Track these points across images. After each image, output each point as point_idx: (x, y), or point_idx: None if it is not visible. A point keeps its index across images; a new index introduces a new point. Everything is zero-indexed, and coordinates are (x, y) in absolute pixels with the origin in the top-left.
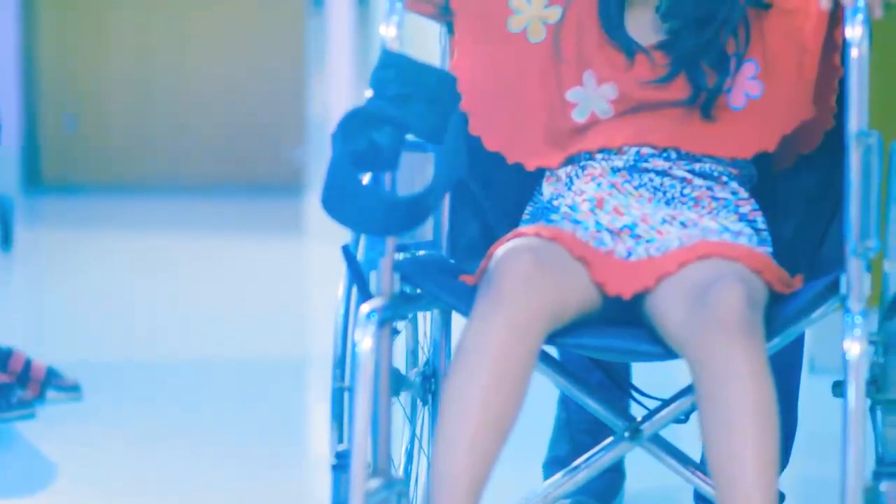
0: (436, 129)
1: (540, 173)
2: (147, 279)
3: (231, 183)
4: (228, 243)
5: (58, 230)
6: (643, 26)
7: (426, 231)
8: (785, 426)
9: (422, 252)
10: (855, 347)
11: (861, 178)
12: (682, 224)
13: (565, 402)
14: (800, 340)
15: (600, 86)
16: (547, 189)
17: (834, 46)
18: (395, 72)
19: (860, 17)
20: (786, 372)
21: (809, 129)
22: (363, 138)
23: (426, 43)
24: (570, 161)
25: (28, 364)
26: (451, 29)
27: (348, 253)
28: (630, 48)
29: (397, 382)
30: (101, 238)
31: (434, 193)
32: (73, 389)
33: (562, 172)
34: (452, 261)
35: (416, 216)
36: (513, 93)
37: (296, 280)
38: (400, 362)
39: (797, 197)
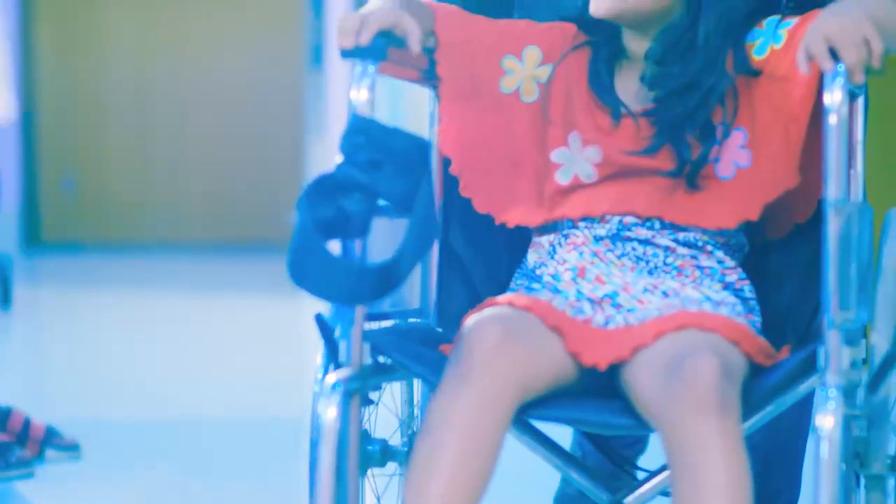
0: (407, 196)
1: (528, 240)
2: (145, 338)
3: (229, 243)
4: (226, 302)
5: (57, 289)
6: (632, 90)
7: (412, 298)
8: (788, 494)
9: (413, 320)
10: (828, 421)
11: (839, 248)
12: (664, 293)
13: (581, 442)
14: (805, 403)
15: (585, 148)
16: (531, 257)
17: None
18: (365, 137)
19: (840, 81)
20: (789, 437)
21: (802, 198)
22: (332, 205)
23: None
24: (552, 228)
25: (27, 423)
26: (437, 93)
27: (321, 321)
28: (617, 111)
29: (383, 454)
30: (100, 297)
31: (404, 261)
32: (72, 449)
33: (544, 240)
34: (440, 329)
35: (385, 284)
36: (503, 154)
37: (294, 340)
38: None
39: (790, 267)
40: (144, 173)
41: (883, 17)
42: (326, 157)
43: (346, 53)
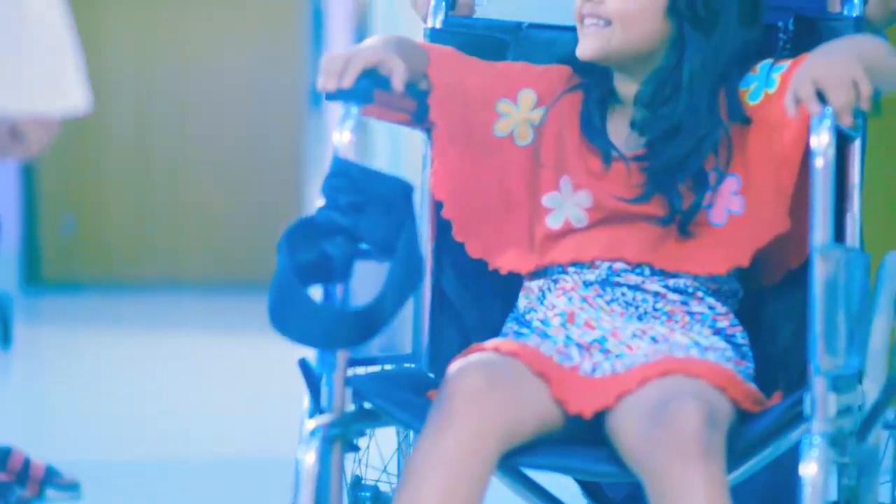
0: (389, 239)
1: (520, 284)
2: (146, 377)
3: (230, 282)
4: (227, 342)
5: (57, 328)
6: (624, 133)
7: (405, 343)
8: None
9: (409, 365)
10: (811, 469)
11: (825, 294)
12: (653, 339)
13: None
14: None
15: (576, 192)
16: (522, 302)
17: None
18: (347, 180)
19: (827, 123)
20: (791, 478)
21: (794, 243)
22: (313, 249)
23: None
24: (542, 273)
25: (27, 463)
26: (429, 135)
27: (304, 366)
28: (608, 154)
29: (375, 500)
30: (101, 336)
31: (387, 305)
32: (72, 488)
33: (534, 285)
34: (432, 374)
35: (366, 329)
36: (496, 198)
37: (296, 380)
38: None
39: (785, 313)
40: (145, 212)
41: (874, 58)
42: None
43: (329, 96)
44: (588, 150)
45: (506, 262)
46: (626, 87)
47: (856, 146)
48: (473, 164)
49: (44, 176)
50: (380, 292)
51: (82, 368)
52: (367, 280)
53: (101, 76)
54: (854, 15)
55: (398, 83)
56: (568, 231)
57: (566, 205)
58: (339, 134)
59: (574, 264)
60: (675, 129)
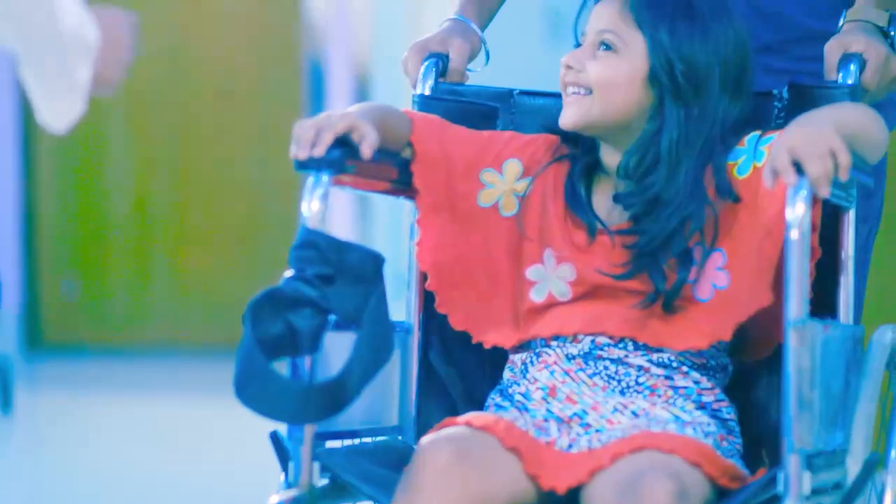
0: (359, 311)
1: (507, 355)
2: (148, 444)
3: (231, 347)
4: (229, 407)
5: (58, 393)
6: (609, 205)
7: (391, 416)
8: None
9: (399, 437)
10: None
11: (799, 370)
12: (634, 413)
13: None
14: None
15: (559, 265)
16: (506, 374)
17: (811, 228)
18: (315, 251)
19: (803, 194)
20: None
21: (780, 317)
22: (280, 321)
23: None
24: (525, 347)
25: None
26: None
27: (275, 439)
28: (592, 227)
29: None
30: (102, 402)
31: (353, 378)
32: None
33: (518, 359)
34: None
35: (333, 403)
36: (480, 270)
37: None
38: None
39: (773, 388)
40: (146, 276)
41: (858, 126)
42: None
43: (299, 165)
44: (572, 223)
45: (490, 336)
46: (611, 158)
47: (850, 217)
48: (457, 235)
49: (44, 239)
50: (345, 365)
51: (83, 434)
52: (340, 352)
53: (101, 141)
54: (849, 83)
55: (366, 151)
56: (551, 305)
57: (550, 278)
58: (309, 203)
59: (557, 338)
60: (657, 202)
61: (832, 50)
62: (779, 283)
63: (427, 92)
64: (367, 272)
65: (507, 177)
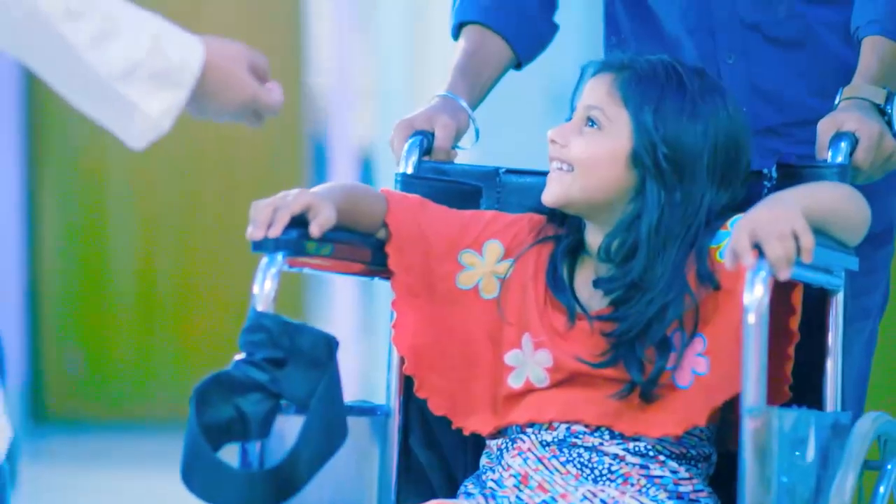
0: (311, 396)
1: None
2: None
3: None
4: None
5: (62, 467)
6: (591, 288)
7: (370, 502)
8: None
9: None
10: None
11: (755, 458)
12: (602, 502)
13: None
14: None
15: (536, 351)
16: (483, 461)
17: (790, 310)
18: (265, 335)
19: (762, 276)
20: None
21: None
22: (229, 406)
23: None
24: (502, 433)
25: None
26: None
27: None
28: (572, 311)
29: None
30: (106, 476)
31: (302, 464)
32: None
33: (494, 444)
34: None
35: (281, 490)
36: (459, 355)
37: None
38: None
39: None
40: (150, 350)
41: (833, 206)
42: (333, 330)
43: (255, 246)
44: (553, 307)
45: (469, 422)
46: (595, 239)
47: (838, 300)
48: (435, 318)
49: (48, 312)
50: (291, 451)
51: None
52: (294, 438)
53: (104, 215)
54: (839, 162)
55: (315, 230)
56: (529, 391)
57: (528, 364)
58: (261, 284)
59: (532, 425)
60: (636, 288)
61: (824, 128)
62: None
63: (410, 170)
64: (320, 356)
65: (487, 258)
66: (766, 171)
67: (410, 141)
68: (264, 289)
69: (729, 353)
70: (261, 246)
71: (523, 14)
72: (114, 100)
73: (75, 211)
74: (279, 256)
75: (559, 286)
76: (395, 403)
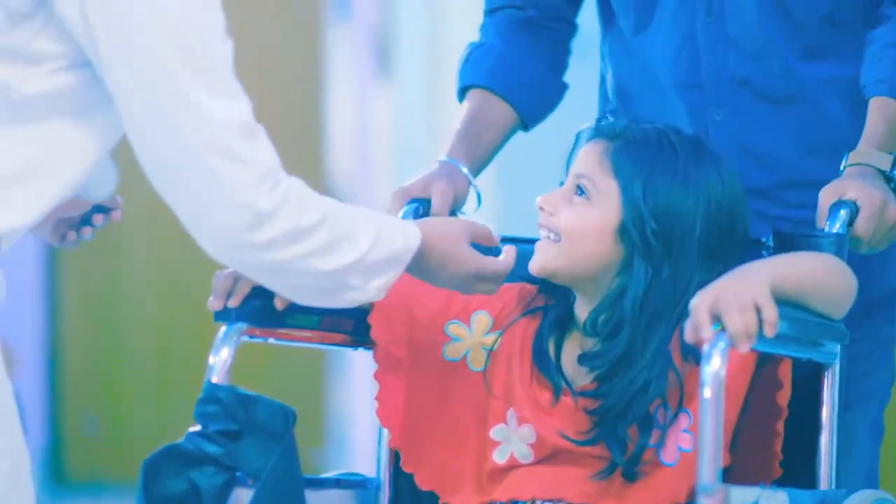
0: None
1: None
2: None
3: None
4: None
5: None
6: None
7: None
8: None
9: None
10: None
11: None
12: None
13: None
14: None
15: (520, 426)
16: None
17: (777, 385)
18: (218, 407)
19: (719, 349)
20: None
21: (749, 479)
22: (182, 479)
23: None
24: None
25: None
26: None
27: None
28: (557, 387)
29: None
30: None
31: None
32: None
33: None
34: None
35: None
36: (445, 428)
37: None
38: None
39: None
40: (166, 414)
41: (810, 278)
42: (347, 395)
43: (215, 316)
44: (538, 381)
45: (455, 499)
46: (582, 312)
47: (832, 374)
48: (421, 390)
49: (68, 379)
50: None
51: None
52: None
53: (124, 280)
54: (835, 231)
55: (278, 303)
56: (513, 467)
57: (512, 439)
58: (216, 354)
59: (514, 502)
60: (620, 364)
61: (826, 195)
62: (749, 446)
63: None
64: (276, 427)
65: (475, 329)
66: (763, 239)
67: (405, 209)
68: (220, 359)
69: None
70: (220, 316)
71: (528, 76)
72: (334, 285)
73: (95, 279)
74: (238, 326)
75: (544, 361)
76: (385, 475)
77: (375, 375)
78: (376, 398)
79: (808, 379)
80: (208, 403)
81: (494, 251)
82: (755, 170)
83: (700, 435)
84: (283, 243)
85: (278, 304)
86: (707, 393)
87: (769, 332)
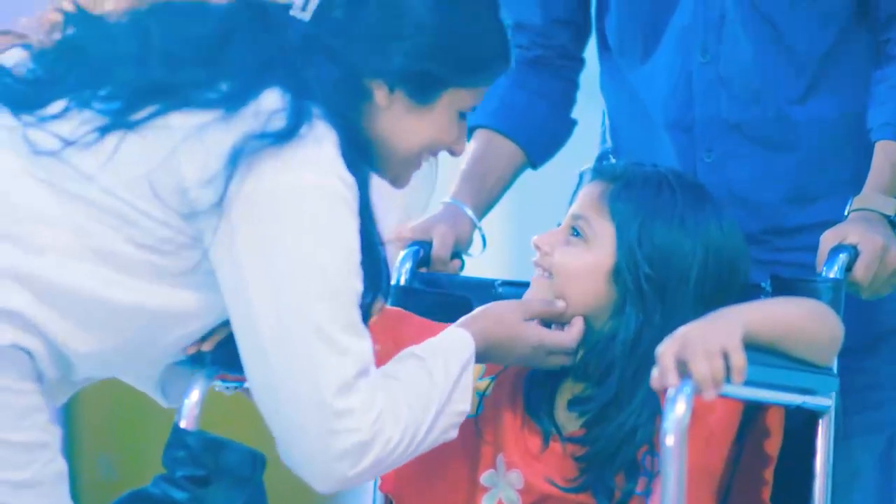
0: None
1: None
2: None
3: None
4: None
5: None
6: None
7: None
8: None
9: None
10: None
11: None
12: None
13: None
14: None
15: (508, 472)
16: None
17: (765, 433)
18: (185, 452)
19: (684, 396)
20: None
21: None
22: None
23: None
24: None
25: None
26: None
27: None
28: (547, 433)
29: None
30: None
31: None
32: None
33: None
34: None
35: None
36: (437, 472)
37: None
38: None
39: None
40: None
41: (789, 323)
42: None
43: (190, 360)
44: (528, 427)
45: None
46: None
47: (827, 422)
48: None
49: (83, 416)
50: None
51: None
52: None
53: None
54: (832, 276)
55: None
56: None
57: (501, 485)
58: (187, 399)
59: None
60: (609, 409)
61: (827, 239)
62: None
63: (402, 282)
64: (244, 472)
65: None
66: (763, 284)
67: (405, 252)
68: (189, 403)
69: (695, 476)
70: (195, 360)
71: (534, 115)
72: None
73: None
74: (210, 370)
75: (535, 407)
76: None
77: None
78: None
79: (803, 426)
80: (176, 448)
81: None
82: (743, 215)
83: (663, 484)
84: (383, 462)
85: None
86: (669, 441)
87: (737, 379)
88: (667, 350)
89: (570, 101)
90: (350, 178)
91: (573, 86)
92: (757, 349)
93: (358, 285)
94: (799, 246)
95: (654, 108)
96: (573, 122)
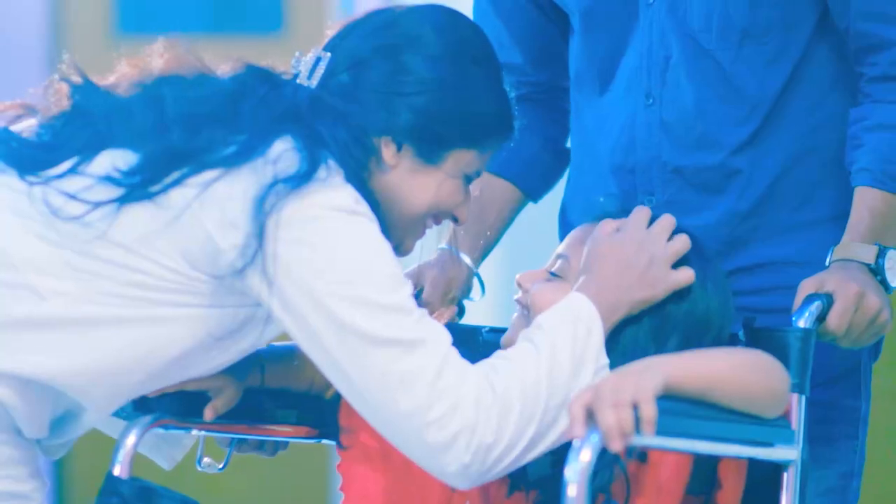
0: None
1: None
2: None
3: None
4: None
5: None
6: None
7: None
8: None
9: None
10: None
11: None
12: None
13: None
14: None
15: None
16: None
17: (718, 485)
18: (120, 500)
19: (589, 446)
20: None
21: None
22: None
23: None
24: None
25: None
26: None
27: None
28: (514, 483)
29: None
30: None
31: None
32: None
33: None
34: None
35: None
36: None
37: None
38: None
39: None
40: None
41: (723, 374)
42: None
43: (135, 406)
44: None
45: None
46: None
47: (790, 476)
48: (388, 485)
49: (73, 469)
50: None
51: None
52: None
53: None
54: (802, 326)
55: (208, 413)
56: None
57: None
58: (122, 446)
59: None
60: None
61: (804, 288)
62: None
63: None
64: None
65: None
66: (739, 333)
67: None
68: (124, 450)
69: None
70: (138, 406)
71: (526, 152)
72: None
73: None
74: (143, 419)
75: None
76: None
77: (338, 467)
78: (341, 489)
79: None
80: (109, 496)
81: None
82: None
83: None
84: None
85: (208, 416)
86: (571, 491)
87: (647, 430)
88: (577, 400)
89: (564, 131)
90: (372, 214)
91: (565, 114)
92: (683, 400)
93: (403, 278)
94: (748, 289)
95: (604, 148)
96: (568, 153)
